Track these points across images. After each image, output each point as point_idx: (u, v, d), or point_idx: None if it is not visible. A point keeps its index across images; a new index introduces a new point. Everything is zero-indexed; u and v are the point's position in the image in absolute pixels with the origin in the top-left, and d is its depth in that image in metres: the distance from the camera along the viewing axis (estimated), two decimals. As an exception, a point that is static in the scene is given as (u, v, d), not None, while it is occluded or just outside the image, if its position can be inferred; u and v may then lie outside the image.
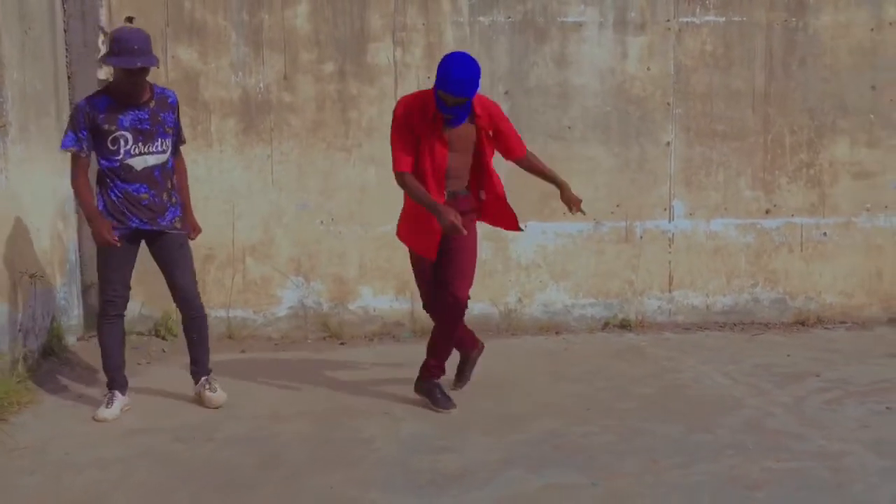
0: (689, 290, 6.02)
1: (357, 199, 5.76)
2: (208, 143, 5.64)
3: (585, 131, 5.87)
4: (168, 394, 4.47)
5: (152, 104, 4.11)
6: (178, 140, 4.32)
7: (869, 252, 6.04)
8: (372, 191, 5.75)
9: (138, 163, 4.08)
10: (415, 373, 4.85)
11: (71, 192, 5.40)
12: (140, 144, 4.07)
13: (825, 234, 6.02)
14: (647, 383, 4.55)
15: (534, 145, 5.79)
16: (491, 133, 4.21)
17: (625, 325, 5.94)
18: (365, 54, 5.71)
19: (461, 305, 4.18)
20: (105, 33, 5.48)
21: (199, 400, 4.27)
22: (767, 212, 5.99)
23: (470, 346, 4.57)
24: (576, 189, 5.84)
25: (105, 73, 5.50)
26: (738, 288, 6.04)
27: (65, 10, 5.40)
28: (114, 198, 4.09)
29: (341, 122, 5.73)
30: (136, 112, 4.06)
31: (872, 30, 5.90)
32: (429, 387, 4.27)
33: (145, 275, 5.59)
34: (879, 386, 4.44)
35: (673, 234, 5.97)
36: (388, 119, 5.67)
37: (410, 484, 3.20)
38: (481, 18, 5.76)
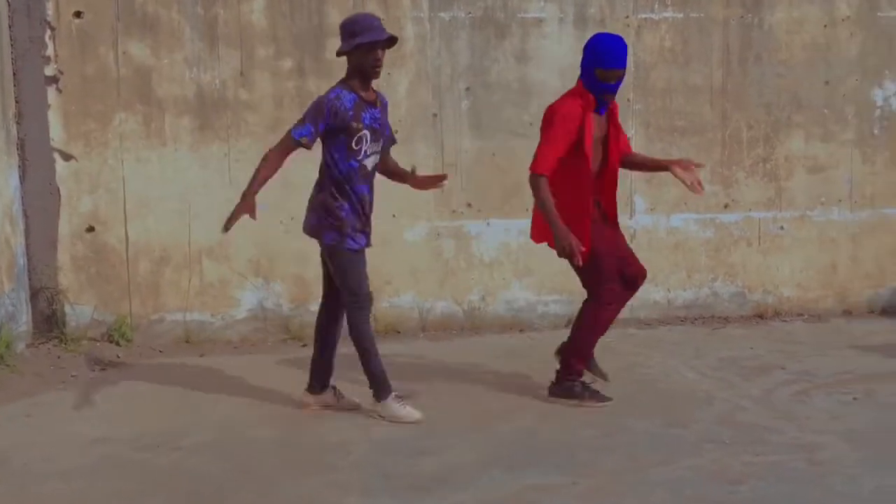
0: (650, 286, 6.01)
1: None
2: (162, 141, 5.46)
3: (547, 127, 5.84)
4: (127, 401, 4.32)
5: (378, 104, 4.01)
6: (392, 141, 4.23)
7: (823, 245, 6.15)
8: (332, 189, 5.64)
9: (370, 163, 3.97)
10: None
11: (17, 194, 5.20)
12: (374, 144, 3.97)
13: (782, 227, 6.11)
14: (616, 378, 4.54)
15: (495, 142, 5.81)
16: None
17: (588, 322, 5.93)
18: (324, 50, 5.60)
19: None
20: (52, 28, 5.27)
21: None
22: (726, 206, 6.05)
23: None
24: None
25: (53, 69, 5.29)
26: (698, 282, 6.09)
27: (9, 5, 5.17)
28: (355, 200, 3.95)
29: (300, 119, 5.60)
30: (373, 110, 3.96)
31: (826, 26, 6.00)
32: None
33: (96, 278, 5.45)
34: (843, 377, 4.51)
35: (634, 230, 5.99)
36: (348, 116, 5.64)
37: (390, 488, 3.13)
38: (441, 14, 5.69)
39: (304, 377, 4.75)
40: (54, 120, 5.32)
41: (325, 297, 4.24)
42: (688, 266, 6.08)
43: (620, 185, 5.85)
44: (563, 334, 5.72)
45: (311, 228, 4.07)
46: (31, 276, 5.34)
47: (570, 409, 4.06)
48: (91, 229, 5.41)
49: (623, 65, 3.98)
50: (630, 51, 5.83)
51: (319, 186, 4.06)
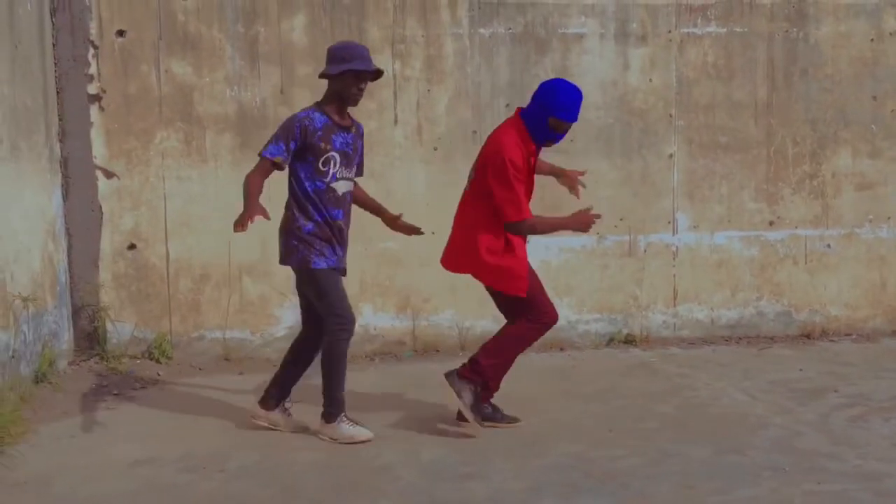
0: (693, 304, 5.94)
1: (357, 214, 5.55)
2: (203, 158, 5.47)
3: (588, 144, 5.77)
4: (169, 420, 4.29)
5: (353, 130, 4.05)
6: (360, 171, 4.21)
7: (872, 263, 6.01)
8: (372, 207, 5.60)
9: (340, 187, 3.99)
10: (422, 393, 4.72)
11: (60, 211, 5.22)
12: (345, 169, 3.99)
13: (829, 245, 5.97)
14: (664, 401, 4.45)
15: (536, 159, 5.74)
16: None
17: (629, 341, 5.84)
18: (363, 67, 5.56)
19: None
20: (95, 47, 5.30)
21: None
22: (771, 224, 5.93)
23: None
24: (578, 203, 5.77)
25: (96, 88, 5.32)
26: (742, 301, 5.97)
27: (54, 24, 5.21)
28: (321, 220, 3.95)
29: (340, 136, 5.57)
30: (345, 135, 4.00)
31: (872, 40, 5.88)
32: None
33: (137, 295, 5.44)
34: (900, 401, 4.39)
35: (677, 248, 5.89)
36: (389, 132, 5.62)
37: (440, 515, 3.06)
38: (482, 30, 5.66)
39: (346, 396, 4.70)
40: (97, 138, 5.34)
41: (304, 329, 4.19)
42: (732, 284, 5.96)
43: (665, 201, 5.83)
44: (605, 353, 5.67)
45: (281, 256, 4.10)
46: (72, 293, 5.35)
47: (618, 432, 3.97)
48: (132, 247, 5.42)
49: (575, 118, 3.93)
50: (672, 66, 5.82)
51: (286, 208, 4.08)
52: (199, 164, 5.47)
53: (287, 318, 5.59)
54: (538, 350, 5.72)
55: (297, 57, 5.51)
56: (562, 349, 5.76)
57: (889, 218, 5.98)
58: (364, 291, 5.67)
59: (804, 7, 5.83)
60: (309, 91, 5.54)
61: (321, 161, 3.90)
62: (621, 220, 5.84)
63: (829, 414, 4.17)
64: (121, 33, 5.34)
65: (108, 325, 5.39)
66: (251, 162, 5.48)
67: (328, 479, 3.43)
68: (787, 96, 5.86)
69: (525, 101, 5.72)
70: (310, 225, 3.94)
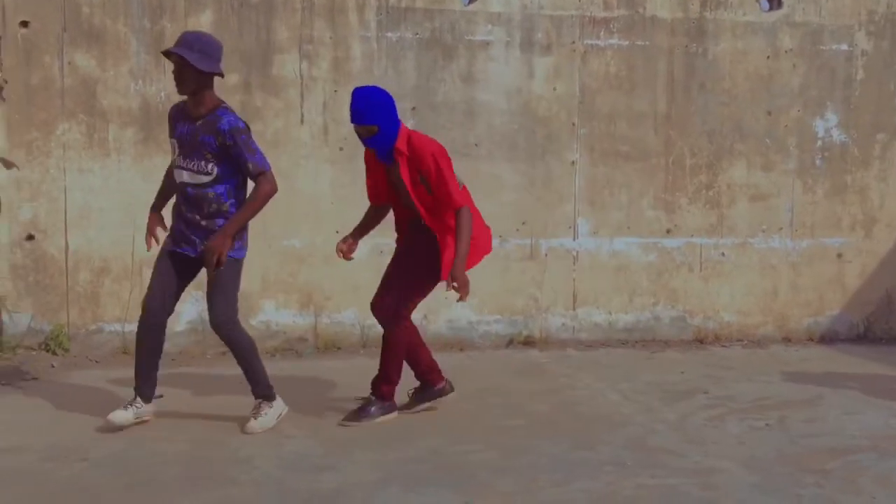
0: (592, 308, 6.09)
1: (261, 212, 5.64)
2: (106, 152, 5.49)
3: (492, 149, 5.90)
4: (50, 411, 4.31)
5: (199, 122, 3.98)
6: (240, 170, 4.01)
7: (764, 272, 6.21)
8: (276, 204, 5.62)
9: (178, 175, 4.05)
10: (315, 388, 4.81)
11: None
12: (181, 158, 4.02)
13: (723, 254, 6.17)
14: (541, 400, 4.57)
15: (440, 162, 5.85)
16: (418, 177, 4.14)
17: (529, 342, 5.97)
18: (271, 66, 5.64)
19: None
20: (-2, 38, 5.31)
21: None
22: (668, 231, 6.11)
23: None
24: (481, 206, 5.90)
25: (-4, 78, 5.32)
26: (639, 306, 6.13)
27: (-47, 12, 5.21)
28: (175, 210, 4.12)
29: (245, 134, 5.63)
30: (187, 125, 4.01)
31: (768, 57, 6.09)
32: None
33: (35, 286, 5.45)
34: (762, 403, 4.55)
35: (577, 252, 6.04)
36: (295, 132, 5.70)
37: (284, 503, 3.14)
38: (389, 34, 5.75)
39: (236, 390, 4.76)
40: (-3, 128, 5.35)
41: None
42: (629, 289, 6.12)
43: (567, 207, 5.98)
44: (503, 353, 5.80)
45: None
46: None
47: (483, 429, 4.09)
48: (31, 238, 5.43)
49: (353, 121, 4.06)
50: (575, 76, 5.97)
51: None
52: (102, 157, 5.49)
53: (188, 312, 5.63)
54: (438, 350, 5.81)
55: (203, 54, 5.55)
56: (462, 349, 5.87)
57: (781, 229, 6.19)
58: (266, 288, 5.74)
59: (704, 24, 6.02)
60: (215, 87, 5.59)
61: (171, 144, 4.11)
62: (523, 223, 5.97)
63: (691, 414, 4.33)
64: (24, 24, 5.34)
65: (4, 316, 5.39)
66: (154, 156, 5.56)
67: (185, 470, 3.49)
68: (686, 109, 6.05)
69: (430, 104, 5.87)
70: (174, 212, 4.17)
